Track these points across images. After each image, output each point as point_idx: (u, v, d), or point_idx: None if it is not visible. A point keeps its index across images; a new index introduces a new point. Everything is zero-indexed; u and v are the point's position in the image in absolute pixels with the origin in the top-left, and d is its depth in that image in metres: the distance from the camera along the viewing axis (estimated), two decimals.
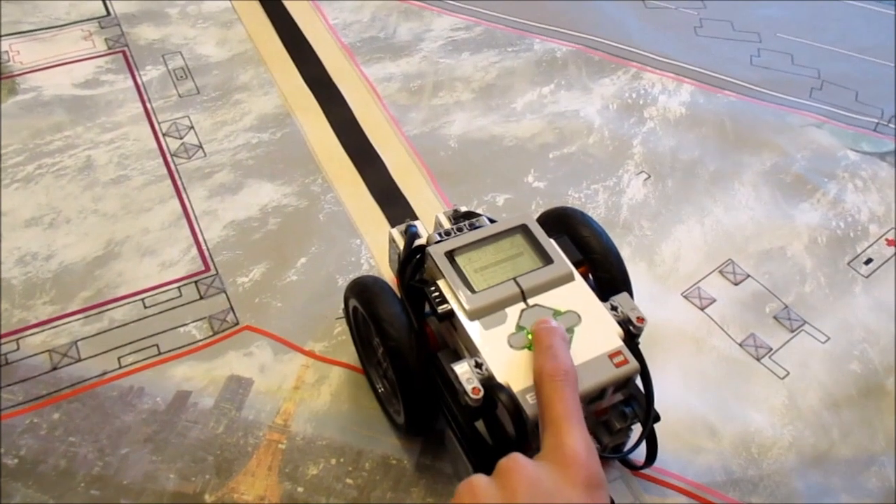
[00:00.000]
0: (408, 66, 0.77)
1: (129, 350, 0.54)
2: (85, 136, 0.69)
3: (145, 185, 0.65)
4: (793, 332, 0.58)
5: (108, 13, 0.81)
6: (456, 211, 0.50)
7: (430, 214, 0.63)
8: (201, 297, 0.58)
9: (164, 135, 0.69)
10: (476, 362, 0.41)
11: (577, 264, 0.46)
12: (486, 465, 0.38)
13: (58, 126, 0.70)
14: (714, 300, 0.60)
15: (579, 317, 0.43)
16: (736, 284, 0.61)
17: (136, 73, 0.75)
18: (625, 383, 0.42)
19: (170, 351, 0.54)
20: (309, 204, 0.64)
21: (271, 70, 0.76)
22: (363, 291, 0.46)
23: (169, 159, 0.67)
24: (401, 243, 0.50)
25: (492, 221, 0.48)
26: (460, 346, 0.44)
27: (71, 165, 0.66)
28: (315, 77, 0.75)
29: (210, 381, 0.53)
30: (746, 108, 0.76)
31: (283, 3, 0.83)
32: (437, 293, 0.44)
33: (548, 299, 0.44)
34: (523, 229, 0.47)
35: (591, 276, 0.48)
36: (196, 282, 0.59)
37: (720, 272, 0.62)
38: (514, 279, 0.44)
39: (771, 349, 0.57)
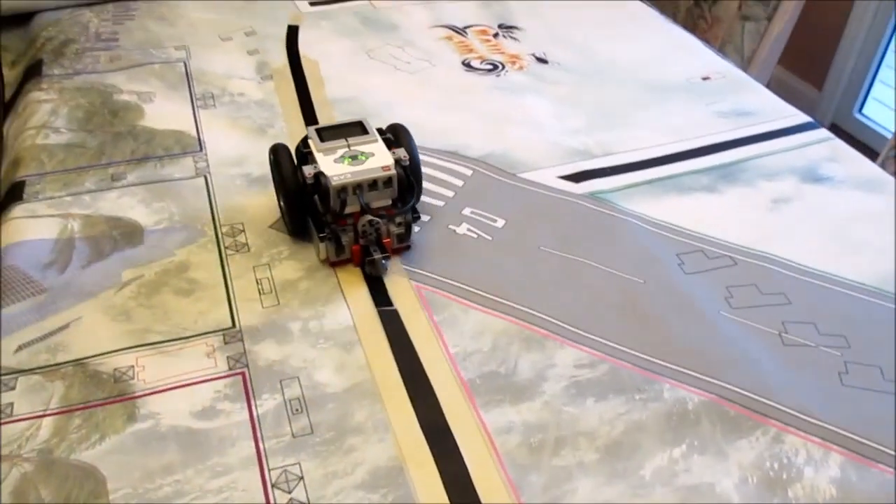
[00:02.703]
0: (529, 414, 0.74)
1: None
2: (195, 481, 0.67)
3: None
4: None
5: (234, 325, 0.82)
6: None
7: None
8: None
9: (273, 485, 0.67)
10: (314, 167, 0.86)
11: (389, 144, 0.90)
12: (319, 223, 0.87)
13: (169, 468, 0.68)
14: None
15: (374, 154, 0.87)
16: None
17: (252, 402, 0.74)
18: (388, 182, 0.86)
19: None
20: None
21: (388, 409, 0.74)
22: (274, 151, 0.90)
23: None
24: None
25: None
26: None
27: None
28: (432, 422, 0.72)
29: None
30: None
31: (403, 324, 0.82)
32: (307, 144, 0.91)
33: (360, 147, 0.88)
34: (360, 123, 0.92)
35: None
36: None
37: None
38: (346, 139, 0.89)
39: None
